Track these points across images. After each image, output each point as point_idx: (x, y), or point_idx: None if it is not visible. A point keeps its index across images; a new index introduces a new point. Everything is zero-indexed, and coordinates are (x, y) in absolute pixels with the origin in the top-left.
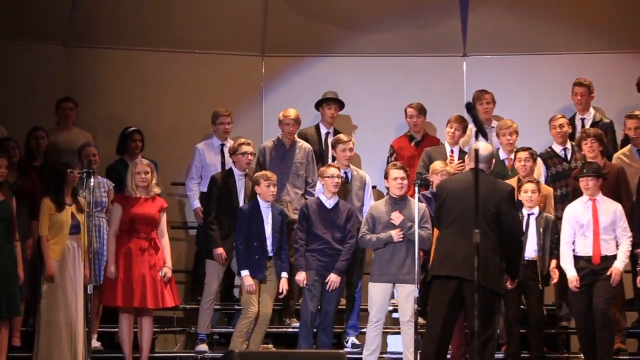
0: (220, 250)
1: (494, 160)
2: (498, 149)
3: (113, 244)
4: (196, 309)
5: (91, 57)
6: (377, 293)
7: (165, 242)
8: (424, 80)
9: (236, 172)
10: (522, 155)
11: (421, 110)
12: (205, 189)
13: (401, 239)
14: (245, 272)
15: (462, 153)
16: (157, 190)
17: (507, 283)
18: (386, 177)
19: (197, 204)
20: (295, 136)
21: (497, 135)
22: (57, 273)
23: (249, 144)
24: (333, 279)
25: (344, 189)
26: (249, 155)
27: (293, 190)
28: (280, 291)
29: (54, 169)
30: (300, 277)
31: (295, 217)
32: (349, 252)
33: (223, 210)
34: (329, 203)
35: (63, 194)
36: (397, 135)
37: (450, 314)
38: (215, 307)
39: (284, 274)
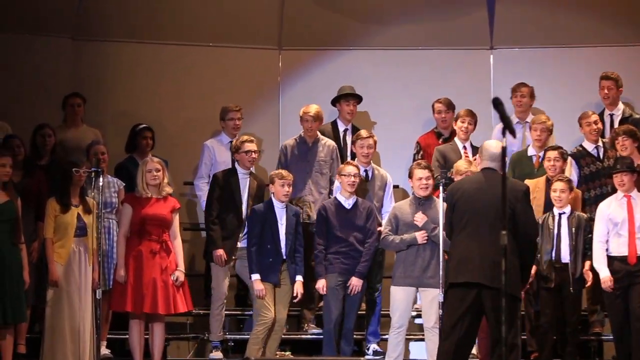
0: (220, 252)
1: (507, 159)
2: (529, 145)
3: (123, 246)
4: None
5: (100, 51)
6: (399, 297)
7: (177, 245)
8: (449, 75)
9: (240, 170)
10: (552, 154)
11: (450, 106)
12: None
13: (425, 241)
14: (255, 277)
15: (474, 149)
16: (168, 189)
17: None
18: (410, 176)
19: None
20: (318, 133)
21: (530, 129)
22: (61, 278)
23: (252, 142)
24: (355, 282)
25: (363, 187)
26: (253, 153)
27: (317, 190)
28: (295, 295)
29: (60, 168)
30: (320, 284)
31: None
32: (370, 253)
33: (225, 209)
34: (348, 203)
35: (69, 195)
36: (420, 132)
37: (470, 322)
38: (226, 312)
39: (299, 277)
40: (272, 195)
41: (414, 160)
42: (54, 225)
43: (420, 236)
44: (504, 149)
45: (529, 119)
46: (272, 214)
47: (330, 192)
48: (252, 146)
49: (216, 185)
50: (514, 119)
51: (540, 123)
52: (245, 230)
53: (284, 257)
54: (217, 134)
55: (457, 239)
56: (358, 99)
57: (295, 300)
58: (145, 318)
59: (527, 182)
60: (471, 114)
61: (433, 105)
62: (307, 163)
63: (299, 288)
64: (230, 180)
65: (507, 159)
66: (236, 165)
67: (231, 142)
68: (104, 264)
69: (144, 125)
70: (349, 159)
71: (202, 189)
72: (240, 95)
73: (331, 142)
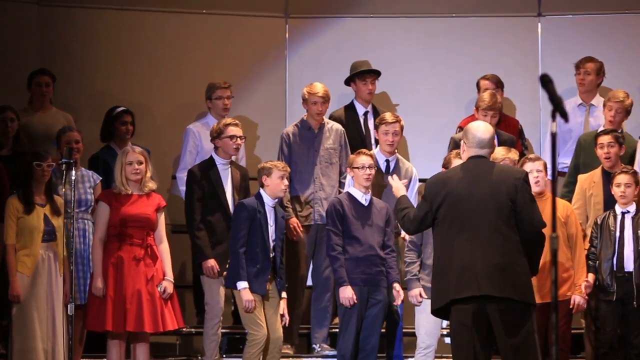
0: (211, 263)
1: (496, 144)
2: (599, 128)
3: (100, 252)
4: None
5: (73, 18)
6: (428, 311)
7: (164, 249)
8: (491, 46)
9: (218, 160)
10: (604, 139)
11: (498, 84)
12: None
13: (419, 303)
14: (243, 284)
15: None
16: (152, 185)
17: None
18: (447, 166)
19: None
20: (324, 117)
21: (604, 108)
22: (25, 292)
23: (237, 125)
24: (399, 288)
25: (379, 182)
26: (238, 139)
27: (329, 183)
28: (281, 313)
29: (21, 160)
30: (348, 293)
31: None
32: (396, 260)
33: (209, 210)
34: (365, 199)
35: (32, 192)
36: (455, 115)
37: (481, 342)
38: (223, 331)
39: (283, 294)
40: (261, 190)
41: (457, 146)
42: (17, 229)
43: (415, 295)
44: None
45: (594, 102)
46: (262, 212)
47: (342, 185)
48: (237, 130)
49: (194, 184)
50: (576, 101)
51: (618, 101)
52: None
53: (277, 265)
54: (202, 116)
55: (452, 246)
56: (377, 75)
57: (282, 322)
58: (126, 338)
59: (580, 176)
60: (491, 103)
61: (478, 83)
62: (315, 153)
63: (284, 308)
64: (209, 174)
65: (562, 145)
66: (213, 154)
67: None
68: (78, 273)
69: (122, 108)
70: (374, 148)
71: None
72: (241, 72)
73: (338, 126)
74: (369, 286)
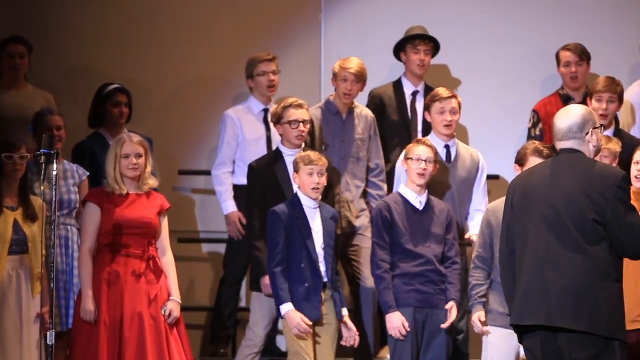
0: (267, 281)
1: (598, 134)
2: None
3: (89, 266)
4: None
5: None
6: (497, 343)
7: (169, 263)
8: (577, 8)
9: (285, 151)
10: None
11: (583, 55)
12: (243, 181)
13: (483, 332)
14: (287, 306)
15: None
16: (153, 182)
17: None
18: (522, 161)
19: (231, 205)
20: (355, 100)
21: None
22: None
23: (300, 106)
24: (451, 306)
25: (440, 176)
26: (302, 123)
27: (354, 182)
28: (346, 338)
29: None
30: (396, 321)
31: (360, 224)
32: (458, 275)
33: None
34: (420, 201)
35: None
36: (537, 95)
37: None
38: None
39: (344, 311)
40: (296, 189)
41: (530, 136)
42: None
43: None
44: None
45: None
46: (301, 217)
47: (370, 184)
48: (300, 113)
49: (256, 181)
50: None
51: None
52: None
53: (326, 280)
54: (241, 99)
55: (518, 261)
56: (433, 44)
57: (347, 344)
58: None
59: None
60: (612, 86)
61: (557, 55)
62: (342, 144)
63: (351, 327)
64: (274, 171)
65: None
66: (280, 145)
67: (265, 109)
68: (59, 293)
69: (116, 86)
70: (419, 134)
71: (224, 182)
72: (265, 43)
73: (368, 111)
74: (426, 308)
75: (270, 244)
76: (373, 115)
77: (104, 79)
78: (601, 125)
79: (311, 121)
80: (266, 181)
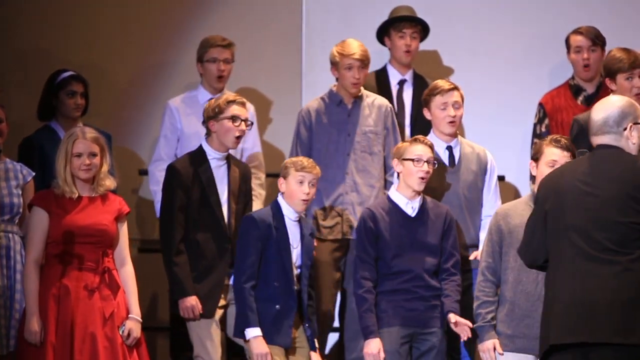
0: (191, 302)
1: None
2: None
3: (35, 280)
4: None
5: None
6: None
7: (127, 276)
8: None
9: (211, 153)
10: None
11: (597, 40)
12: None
13: None
14: (253, 332)
15: None
16: (110, 183)
17: None
18: (537, 156)
19: None
20: (362, 88)
21: None
22: None
23: (242, 104)
24: (455, 319)
25: (442, 180)
26: (242, 123)
27: (365, 183)
28: None
29: None
30: (374, 348)
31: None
32: (456, 289)
33: (195, 224)
34: (412, 207)
35: None
36: (543, 87)
37: None
38: None
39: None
40: (280, 197)
41: (535, 134)
42: None
43: (487, 350)
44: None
45: None
46: (281, 229)
47: (387, 186)
48: (241, 111)
49: (175, 186)
50: None
51: None
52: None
53: (304, 302)
54: (190, 88)
55: (558, 270)
56: (420, 27)
57: None
58: None
59: None
60: (638, 60)
61: (568, 39)
62: (347, 138)
63: None
64: (198, 173)
65: None
66: (204, 144)
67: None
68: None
69: (71, 73)
70: (407, 129)
71: (160, 181)
72: (239, 26)
73: (383, 100)
74: (414, 327)
75: (240, 254)
76: (390, 105)
77: (55, 65)
78: None
79: (305, 117)
80: (189, 185)
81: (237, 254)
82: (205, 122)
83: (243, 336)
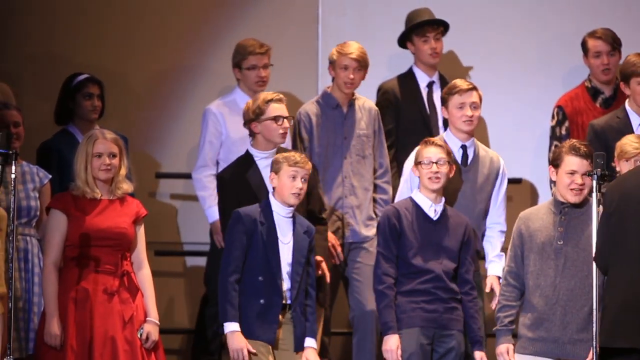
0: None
1: None
2: None
3: (54, 283)
4: None
5: None
6: None
7: (145, 279)
8: None
9: (258, 154)
10: None
11: (615, 43)
12: None
13: None
14: (231, 326)
15: None
16: (127, 187)
17: None
18: (556, 162)
19: (217, 212)
20: (356, 92)
21: None
22: None
23: (280, 101)
24: (482, 358)
25: (456, 180)
26: (284, 120)
27: (361, 186)
28: None
29: None
30: (392, 344)
31: (365, 236)
32: (477, 307)
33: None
34: (434, 210)
35: None
36: (560, 88)
37: None
38: None
39: (310, 342)
40: (271, 192)
41: (555, 136)
42: None
43: (501, 353)
44: None
45: None
46: (268, 224)
47: (377, 189)
48: (284, 108)
49: (230, 195)
50: None
51: None
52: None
53: (288, 302)
54: (227, 92)
55: (619, 273)
56: (441, 27)
57: None
58: None
59: None
60: None
61: (584, 42)
62: (343, 141)
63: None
64: (247, 179)
65: None
66: (250, 147)
67: None
68: (17, 315)
69: (87, 76)
70: (440, 131)
71: (207, 186)
72: (255, 28)
73: (370, 103)
74: (434, 329)
75: (226, 248)
76: (377, 108)
77: (70, 69)
78: None
79: (305, 121)
80: (240, 191)
81: (224, 248)
82: (246, 124)
83: (220, 327)
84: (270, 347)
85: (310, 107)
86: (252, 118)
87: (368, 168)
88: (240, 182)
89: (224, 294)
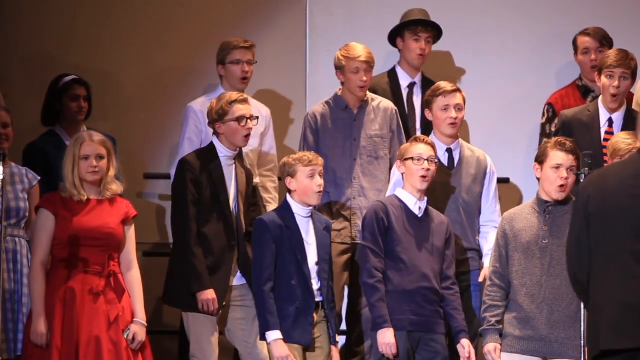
0: (211, 295)
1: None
2: None
3: (41, 282)
4: None
5: None
6: None
7: (133, 279)
8: None
9: (222, 150)
10: None
11: (604, 41)
12: None
13: None
14: (273, 334)
15: (629, 121)
16: (116, 187)
17: None
18: (541, 159)
19: None
20: (368, 91)
21: None
22: None
23: (244, 101)
24: (468, 346)
25: (442, 181)
26: (248, 120)
27: (372, 187)
28: None
29: None
30: (389, 337)
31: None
32: (459, 300)
33: (204, 219)
34: (419, 206)
35: None
36: (551, 86)
37: None
38: None
39: (337, 338)
40: (288, 196)
41: (544, 133)
42: None
43: (489, 352)
44: None
45: None
46: (292, 227)
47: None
48: (247, 108)
49: (192, 179)
50: None
51: None
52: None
53: (320, 299)
54: (210, 89)
55: (604, 276)
56: (434, 30)
57: None
58: None
59: None
60: (625, 61)
61: (575, 40)
62: (353, 142)
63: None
64: (210, 169)
65: None
66: (215, 140)
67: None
68: (6, 315)
69: (73, 77)
70: (418, 132)
71: None
72: (242, 28)
73: (388, 103)
74: (420, 332)
75: (256, 257)
76: (395, 107)
77: (58, 69)
78: None
79: (311, 122)
80: (201, 181)
81: (253, 258)
82: (210, 124)
83: (265, 339)
84: (302, 349)
85: (318, 109)
86: (215, 118)
87: (382, 169)
88: (202, 171)
89: (261, 303)
